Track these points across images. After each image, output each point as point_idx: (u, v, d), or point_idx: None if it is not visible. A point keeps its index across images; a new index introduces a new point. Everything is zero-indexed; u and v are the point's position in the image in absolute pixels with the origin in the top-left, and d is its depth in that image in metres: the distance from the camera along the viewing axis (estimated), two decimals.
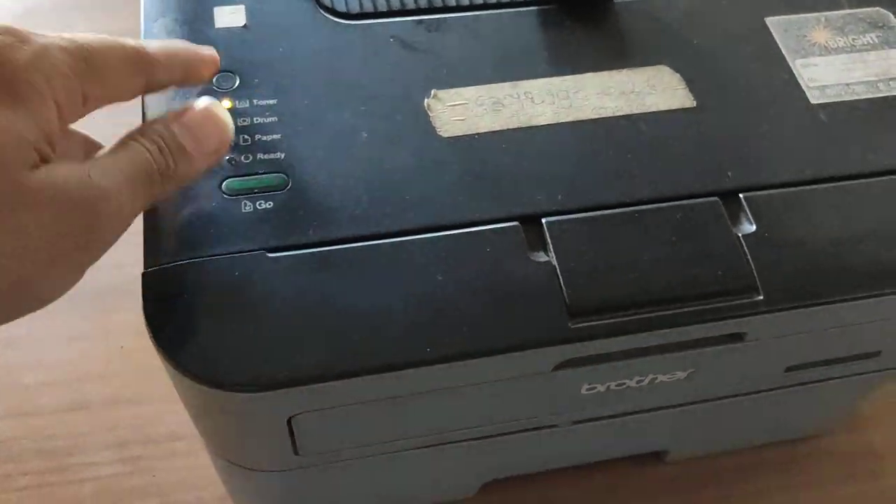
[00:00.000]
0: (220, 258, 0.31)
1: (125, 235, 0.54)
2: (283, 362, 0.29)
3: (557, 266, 0.31)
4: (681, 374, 0.35)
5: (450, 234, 0.32)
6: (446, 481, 0.43)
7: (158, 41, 0.33)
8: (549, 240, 0.32)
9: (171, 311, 0.30)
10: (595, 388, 0.35)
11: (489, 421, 0.37)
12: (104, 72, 0.28)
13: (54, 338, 0.49)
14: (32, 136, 0.26)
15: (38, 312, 0.50)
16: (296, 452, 0.34)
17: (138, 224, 0.56)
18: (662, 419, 0.40)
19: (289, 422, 0.32)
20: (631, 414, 0.39)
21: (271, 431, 0.33)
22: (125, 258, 0.53)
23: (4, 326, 0.49)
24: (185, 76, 0.32)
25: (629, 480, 0.46)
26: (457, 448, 0.38)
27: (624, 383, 0.35)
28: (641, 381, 0.35)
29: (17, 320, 0.49)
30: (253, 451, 0.35)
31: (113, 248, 0.53)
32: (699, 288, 0.31)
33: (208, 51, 0.33)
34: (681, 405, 0.39)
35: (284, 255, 0.31)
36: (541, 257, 0.32)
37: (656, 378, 0.35)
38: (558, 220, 0.32)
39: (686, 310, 0.31)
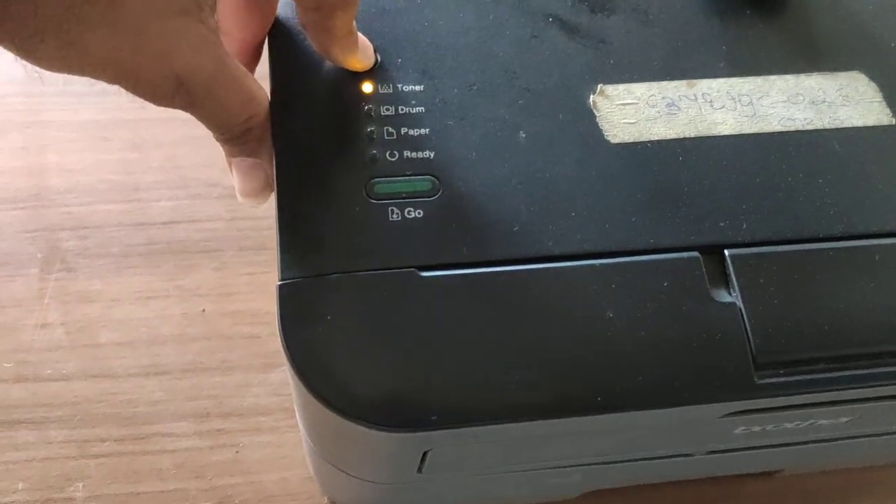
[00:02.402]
0: (368, 274, 0.27)
1: (200, 187, 0.51)
2: (436, 402, 0.26)
3: (743, 309, 0.28)
4: (845, 419, 0.32)
5: (622, 263, 0.28)
6: (552, 490, 0.41)
7: None
8: (732, 276, 0.28)
9: (312, 333, 0.26)
10: (751, 429, 0.32)
11: (623, 451, 0.34)
12: None
13: (130, 295, 0.46)
14: None
15: (112, 267, 0.47)
16: (419, 471, 0.32)
17: (210, 174, 0.52)
18: (797, 448, 0.37)
19: (425, 453, 0.29)
20: (771, 447, 0.36)
21: (402, 458, 0.30)
22: (199, 212, 0.50)
23: (82, 280, 0.46)
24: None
25: (736, 493, 0.44)
26: (575, 469, 0.35)
27: (783, 426, 0.32)
28: (800, 424, 0.32)
29: (93, 275, 0.46)
30: (371, 468, 0.32)
31: (188, 201, 0.50)
32: None
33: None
34: (826, 441, 0.36)
35: (437, 276, 0.27)
36: (723, 296, 0.28)
37: (817, 422, 0.32)
38: (743, 254, 0.28)
39: (886, 369, 0.28)
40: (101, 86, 0.25)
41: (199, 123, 0.28)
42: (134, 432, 0.43)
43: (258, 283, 0.47)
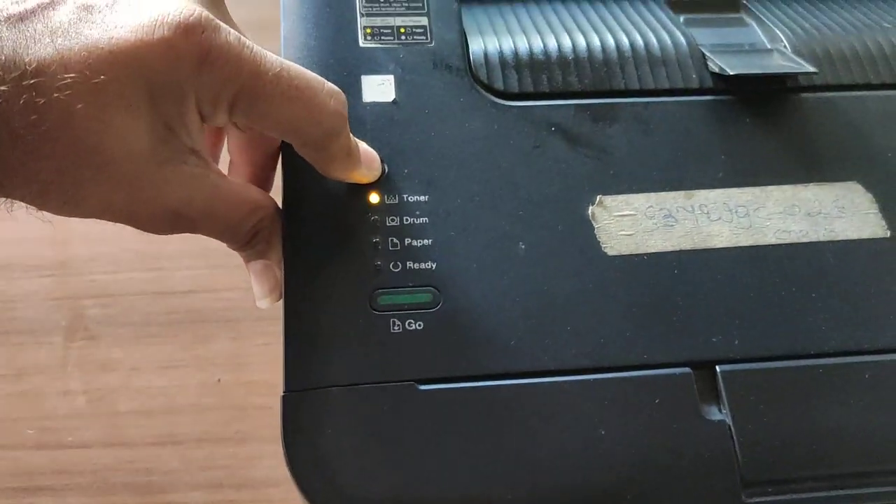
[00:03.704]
0: (368, 387, 0.28)
1: (219, 258, 0.53)
2: None
3: (732, 427, 0.28)
4: None
5: (615, 378, 0.29)
6: None
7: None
8: (723, 393, 0.29)
9: (313, 443, 0.28)
10: None
11: None
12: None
13: (149, 364, 0.48)
14: None
15: (132, 335, 0.49)
16: None
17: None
18: None
19: None
20: None
21: None
22: (218, 282, 0.52)
23: (103, 349, 0.48)
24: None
25: None
26: None
27: None
28: None
29: (114, 343, 0.48)
30: None
31: (206, 270, 0.52)
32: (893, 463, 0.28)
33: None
34: None
35: (435, 389, 0.28)
36: (713, 413, 0.29)
37: None
38: (734, 371, 0.29)
39: (875, 489, 0.28)
40: None
41: None
42: (149, 501, 0.45)
43: (273, 353, 0.49)
